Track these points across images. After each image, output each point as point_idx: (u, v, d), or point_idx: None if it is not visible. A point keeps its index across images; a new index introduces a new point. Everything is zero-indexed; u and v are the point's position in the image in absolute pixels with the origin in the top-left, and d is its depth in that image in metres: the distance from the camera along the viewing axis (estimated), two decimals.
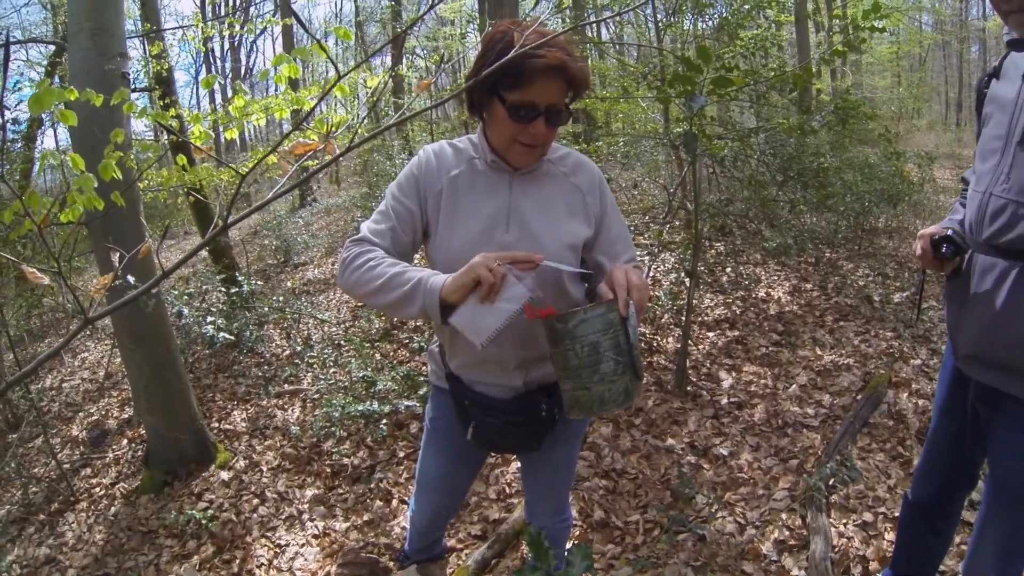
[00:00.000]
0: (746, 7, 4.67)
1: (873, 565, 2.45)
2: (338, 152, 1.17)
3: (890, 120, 12.76)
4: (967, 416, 1.67)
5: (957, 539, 2.39)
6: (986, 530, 1.65)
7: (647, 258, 4.70)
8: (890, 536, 2.56)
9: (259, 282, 5.29)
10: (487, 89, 1.39)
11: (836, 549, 2.53)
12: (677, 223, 5.60)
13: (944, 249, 1.54)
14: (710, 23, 5.77)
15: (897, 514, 2.16)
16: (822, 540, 2.51)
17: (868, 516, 2.70)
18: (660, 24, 4.31)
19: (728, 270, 5.32)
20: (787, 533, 2.64)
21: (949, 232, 1.53)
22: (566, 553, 1.10)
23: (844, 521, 2.70)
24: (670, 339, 4.46)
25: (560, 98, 1.40)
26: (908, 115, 17.24)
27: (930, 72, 23.68)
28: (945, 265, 1.56)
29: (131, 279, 3.13)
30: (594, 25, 14.90)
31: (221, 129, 4.04)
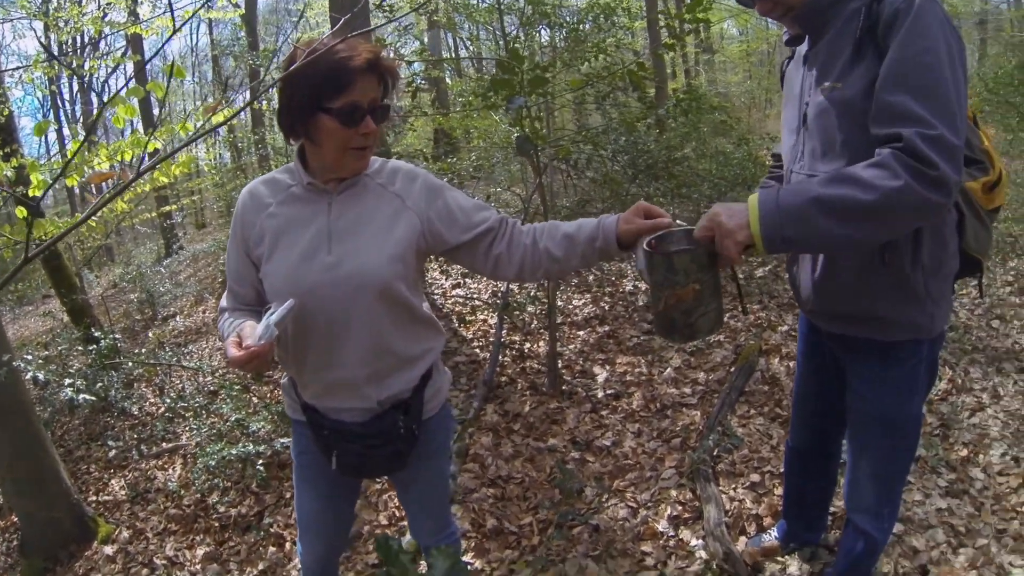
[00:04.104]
0: (590, 17, 4.88)
1: (767, 520, 2.59)
2: (131, 176, 1.12)
3: (743, 111, 13.68)
4: (827, 359, 1.84)
5: (843, 480, 2.58)
6: (859, 463, 1.78)
7: None
8: (779, 492, 2.70)
9: (117, 336, 4.96)
10: (310, 108, 1.37)
11: (729, 513, 2.65)
12: None
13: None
14: (561, 33, 5.96)
15: (783, 470, 2.30)
16: (714, 507, 2.62)
17: (755, 477, 2.86)
18: (509, 38, 4.43)
19: (594, 269, 5.47)
20: (680, 508, 2.74)
21: None
22: (431, 555, 1.07)
23: (733, 486, 2.84)
24: (540, 343, 4.52)
25: (378, 93, 1.42)
26: (759, 106, 18.52)
27: (777, 65, 25.55)
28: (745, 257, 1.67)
29: None
30: (451, 45, 15.08)
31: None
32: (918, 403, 1.67)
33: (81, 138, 3.20)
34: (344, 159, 1.44)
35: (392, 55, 5.37)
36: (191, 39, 23.70)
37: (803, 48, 1.61)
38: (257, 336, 1.29)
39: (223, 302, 1.61)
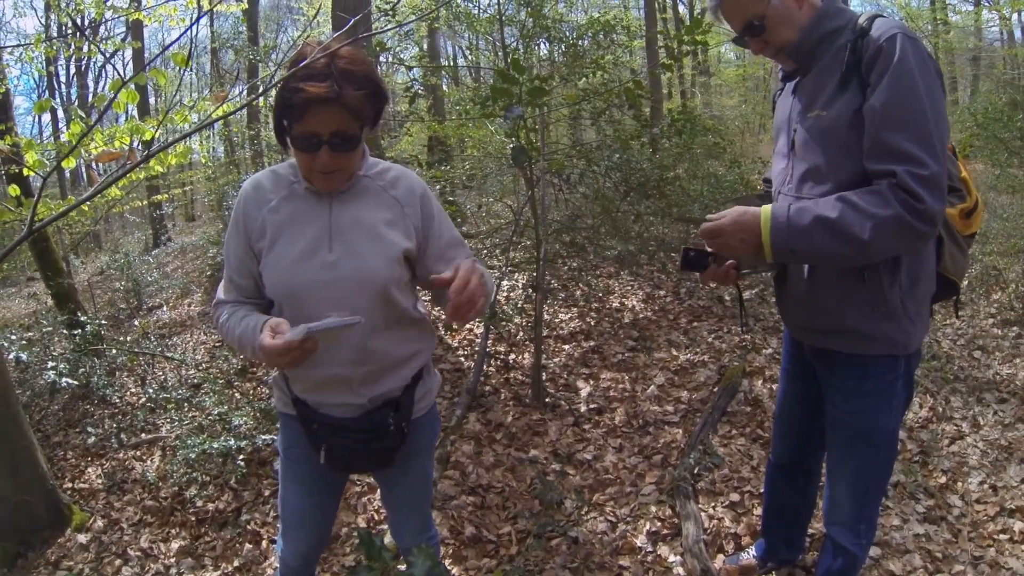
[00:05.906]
0: (589, 33, 4.93)
1: (746, 540, 2.60)
2: (140, 159, 1.13)
3: (736, 134, 13.81)
4: (809, 375, 1.89)
5: (821, 503, 2.60)
6: (836, 476, 1.83)
7: (496, 274, 4.74)
8: (758, 511, 2.72)
9: (103, 321, 4.90)
10: (281, 125, 1.42)
11: (708, 531, 2.67)
12: (528, 242, 5.67)
13: (691, 255, 1.68)
14: (560, 48, 6.01)
15: (763, 488, 2.33)
16: (693, 525, 2.63)
17: (735, 496, 2.87)
18: (508, 50, 4.45)
19: (581, 284, 5.49)
20: (659, 524, 2.75)
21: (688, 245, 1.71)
22: (411, 555, 1.07)
23: (713, 504, 2.85)
24: (526, 355, 4.52)
25: (346, 125, 1.39)
26: (753, 130, 18.70)
27: (771, 93, 25.77)
28: (729, 273, 1.69)
29: None
30: (449, 53, 15.12)
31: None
32: (895, 418, 1.72)
33: (80, 120, 3.19)
34: (312, 177, 1.48)
35: (390, 59, 5.39)
36: (192, 30, 23.61)
37: (792, 80, 1.71)
38: (305, 329, 1.29)
39: (220, 294, 1.61)
